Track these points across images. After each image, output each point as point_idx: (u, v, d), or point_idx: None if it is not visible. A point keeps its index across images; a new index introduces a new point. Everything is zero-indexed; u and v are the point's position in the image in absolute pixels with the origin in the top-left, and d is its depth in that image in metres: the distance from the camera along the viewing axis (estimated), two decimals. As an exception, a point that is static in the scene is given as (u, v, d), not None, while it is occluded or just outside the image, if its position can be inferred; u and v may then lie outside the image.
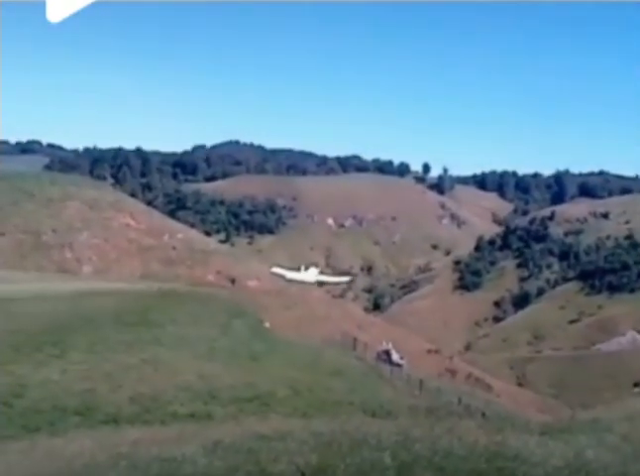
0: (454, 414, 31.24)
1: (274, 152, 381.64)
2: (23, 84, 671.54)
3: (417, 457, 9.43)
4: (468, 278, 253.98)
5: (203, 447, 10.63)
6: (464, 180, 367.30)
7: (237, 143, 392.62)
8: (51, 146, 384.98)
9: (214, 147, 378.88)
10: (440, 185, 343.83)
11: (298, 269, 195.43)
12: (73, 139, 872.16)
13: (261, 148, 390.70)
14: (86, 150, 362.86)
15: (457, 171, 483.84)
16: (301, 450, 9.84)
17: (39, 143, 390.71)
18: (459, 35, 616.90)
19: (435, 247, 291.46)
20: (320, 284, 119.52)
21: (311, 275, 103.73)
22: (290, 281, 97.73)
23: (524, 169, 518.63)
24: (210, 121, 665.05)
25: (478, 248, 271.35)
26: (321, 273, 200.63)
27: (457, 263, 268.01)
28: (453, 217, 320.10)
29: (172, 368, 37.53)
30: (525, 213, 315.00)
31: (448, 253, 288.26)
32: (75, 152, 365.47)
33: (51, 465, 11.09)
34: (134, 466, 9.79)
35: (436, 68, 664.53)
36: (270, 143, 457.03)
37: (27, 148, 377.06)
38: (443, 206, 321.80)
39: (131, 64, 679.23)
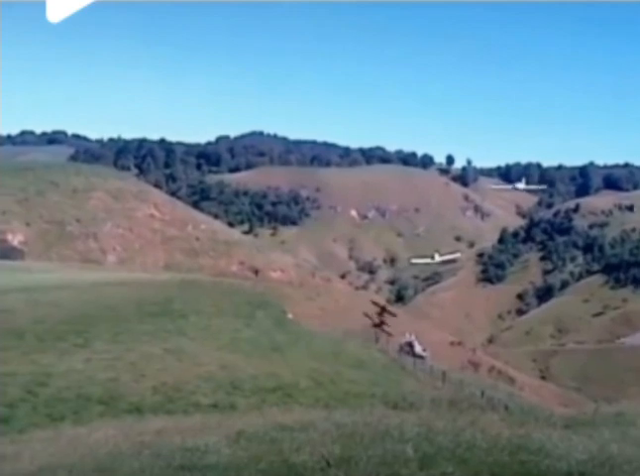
0: (476, 406, 31.16)
1: (298, 143, 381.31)
2: (48, 75, 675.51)
3: (440, 449, 9.41)
4: (491, 270, 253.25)
5: (226, 437, 10.64)
6: (488, 172, 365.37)
7: (261, 134, 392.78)
8: (76, 136, 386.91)
9: (238, 138, 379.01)
10: (464, 177, 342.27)
11: (432, 257, 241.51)
12: (98, 129, 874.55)
13: (284, 139, 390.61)
14: (111, 140, 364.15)
15: (481, 162, 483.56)
16: (323, 441, 9.84)
17: (64, 133, 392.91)
18: (480, 28, 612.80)
19: (458, 239, 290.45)
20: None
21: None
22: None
23: (549, 160, 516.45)
24: (234, 112, 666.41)
25: (501, 240, 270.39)
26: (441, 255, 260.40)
27: (480, 255, 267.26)
28: (476, 209, 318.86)
29: (195, 358, 37.69)
30: (549, 206, 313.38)
31: (471, 245, 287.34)
32: (100, 142, 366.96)
33: (75, 453, 11.15)
34: (157, 455, 9.83)
35: (459, 61, 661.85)
36: (294, 134, 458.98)
37: (52, 138, 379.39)
38: (467, 198, 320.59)
39: (155, 56, 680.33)
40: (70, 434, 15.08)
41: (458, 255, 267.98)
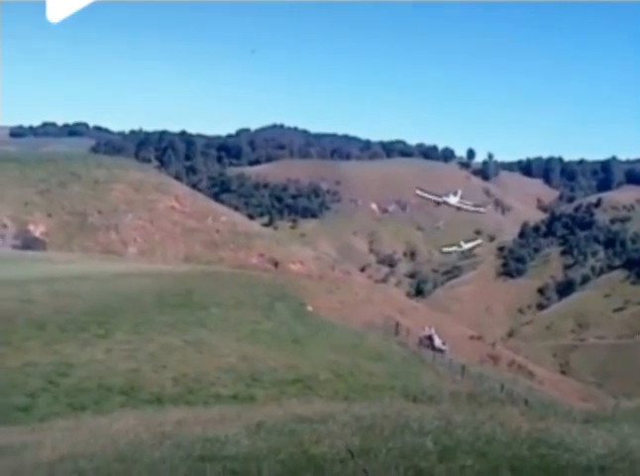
0: (496, 400, 31.18)
1: (318, 136, 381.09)
2: (70, 68, 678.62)
3: (459, 442, 9.43)
4: (511, 264, 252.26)
5: (246, 428, 10.70)
6: (509, 166, 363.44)
7: (281, 127, 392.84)
8: (97, 128, 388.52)
9: (258, 131, 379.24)
10: (485, 171, 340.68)
11: (459, 245, 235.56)
12: (120, 122, 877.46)
13: (305, 132, 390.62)
14: (132, 132, 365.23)
15: (502, 156, 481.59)
16: (343, 433, 9.87)
17: (85, 125, 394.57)
18: (500, 21, 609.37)
19: (478, 233, 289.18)
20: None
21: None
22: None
23: (570, 155, 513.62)
24: (255, 105, 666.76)
25: (522, 234, 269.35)
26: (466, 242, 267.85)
27: (501, 249, 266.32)
28: (497, 203, 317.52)
29: (215, 350, 37.89)
30: (571, 200, 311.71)
31: (492, 239, 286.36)
32: (121, 134, 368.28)
33: (96, 443, 11.25)
34: (178, 445, 9.90)
35: (480, 54, 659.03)
36: (315, 127, 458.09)
37: (74, 130, 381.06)
38: (487, 192, 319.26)
39: (177, 49, 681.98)
40: (91, 424, 15.19)
41: (480, 241, 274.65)
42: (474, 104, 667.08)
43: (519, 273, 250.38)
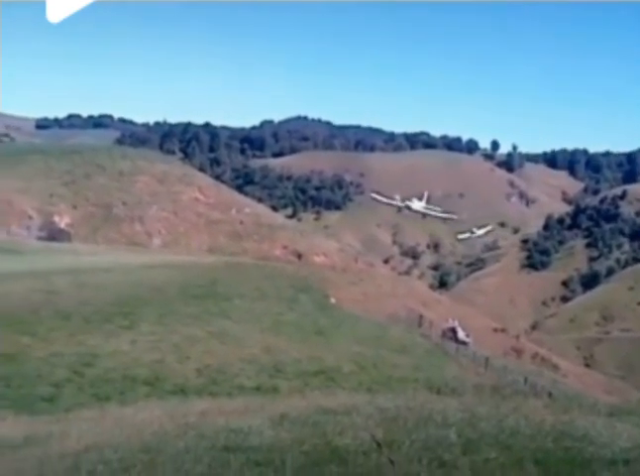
0: (520, 393, 31.13)
1: (342, 128, 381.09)
2: (94, 59, 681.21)
3: (483, 435, 9.42)
4: (536, 257, 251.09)
5: (269, 419, 10.74)
6: (533, 158, 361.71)
7: (305, 118, 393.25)
8: (122, 120, 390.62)
9: (282, 122, 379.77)
10: (509, 163, 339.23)
11: (472, 232, 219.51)
12: (144, 113, 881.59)
13: (328, 124, 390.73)
14: (156, 124, 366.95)
15: (526, 148, 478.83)
16: (367, 425, 9.89)
17: (110, 117, 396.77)
18: (526, 12, 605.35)
19: (503, 225, 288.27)
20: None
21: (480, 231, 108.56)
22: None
23: (595, 147, 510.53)
24: (279, 97, 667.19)
25: (546, 227, 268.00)
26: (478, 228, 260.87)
27: (525, 241, 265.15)
28: (522, 195, 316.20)
29: (239, 341, 38.02)
30: (596, 192, 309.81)
31: (516, 231, 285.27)
32: (146, 126, 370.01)
33: (121, 433, 11.33)
34: (202, 436, 9.95)
35: (504, 46, 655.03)
36: (339, 119, 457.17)
37: (99, 122, 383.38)
38: (512, 184, 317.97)
39: (201, 40, 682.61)
40: (116, 414, 15.29)
41: (491, 227, 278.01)
42: (499, 96, 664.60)
43: (543, 265, 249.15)
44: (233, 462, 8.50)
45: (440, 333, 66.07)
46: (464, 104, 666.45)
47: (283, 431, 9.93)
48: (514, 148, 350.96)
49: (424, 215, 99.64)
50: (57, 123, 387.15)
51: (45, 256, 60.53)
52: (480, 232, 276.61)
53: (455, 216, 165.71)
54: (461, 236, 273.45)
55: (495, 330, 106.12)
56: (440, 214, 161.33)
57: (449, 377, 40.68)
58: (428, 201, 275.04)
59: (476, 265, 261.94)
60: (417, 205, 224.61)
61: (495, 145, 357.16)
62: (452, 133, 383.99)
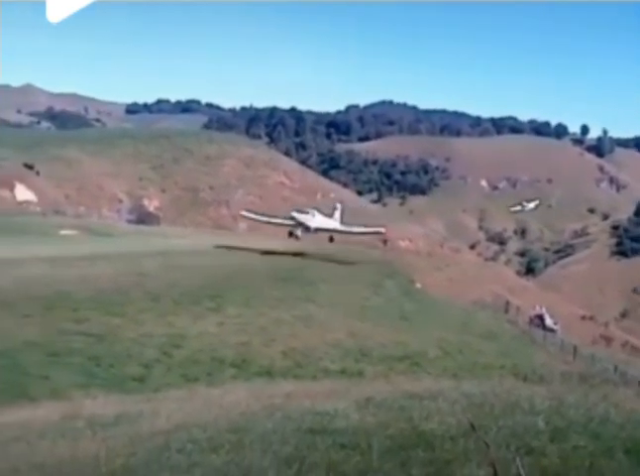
0: (609, 381, 30.53)
1: (428, 112, 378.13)
2: (184, 46, 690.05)
3: (571, 423, 9.27)
4: (626, 243, 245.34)
5: (355, 403, 10.76)
6: (624, 143, 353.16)
7: (390, 103, 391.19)
8: (209, 105, 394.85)
9: (368, 107, 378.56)
10: (599, 148, 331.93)
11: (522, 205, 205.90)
12: (231, 98, 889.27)
13: (414, 108, 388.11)
14: (243, 109, 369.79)
15: (617, 133, 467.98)
16: (453, 410, 9.83)
17: (198, 102, 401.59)
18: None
19: (592, 211, 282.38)
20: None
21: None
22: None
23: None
24: (364, 81, 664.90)
25: (637, 213, 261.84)
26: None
27: (615, 228, 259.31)
28: (612, 181, 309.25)
29: (324, 325, 38.20)
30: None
31: (606, 217, 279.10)
32: (232, 111, 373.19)
33: (209, 413, 11.51)
34: (288, 417, 10.04)
35: (593, 29, 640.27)
36: (424, 103, 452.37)
37: (187, 107, 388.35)
38: (602, 169, 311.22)
39: (287, 25, 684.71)
40: (204, 395, 15.53)
41: (538, 202, 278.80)
42: (588, 79, 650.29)
43: (634, 252, 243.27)
44: (319, 444, 8.54)
45: (527, 320, 65.29)
46: (552, 89, 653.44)
47: (369, 415, 9.94)
48: (604, 132, 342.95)
49: (331, 239, 69.42)
50: (147, 108, 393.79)
51: (134, 239, 61.68)
52: (531, 205, 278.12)
53: (382, 230, 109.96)
54: (513, 209, 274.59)
55: (584, 318, 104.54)
56: (358, 230, 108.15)
57: (536, 364, 40.17)
58: (514, 187, 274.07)
59: (564, 251, 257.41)
60: (317, 221, 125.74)
61: (585, 129, 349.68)
62: (540, 117, 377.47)
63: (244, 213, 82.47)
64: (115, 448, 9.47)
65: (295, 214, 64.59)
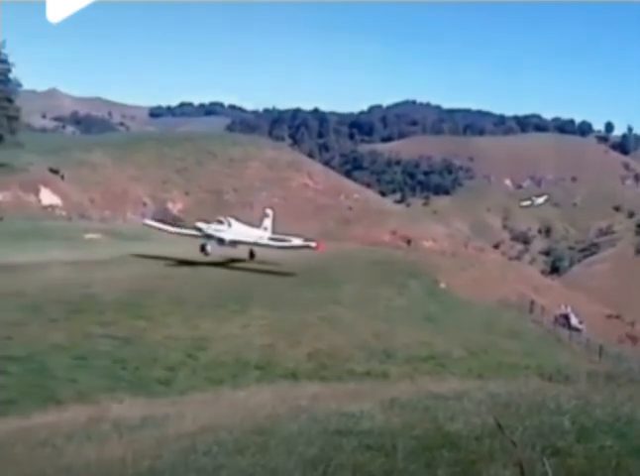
0: (636, 381, 30.31)
1: (451, 112, 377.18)
2: (205, 49, 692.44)
3: (598, 422, 9.23)
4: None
5: (380, 404, 10.78)
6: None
7: (413, 103, 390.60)
8: (232, 107, 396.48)
9: (390, 107, 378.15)
10: (624, 145, 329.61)
11: (532, 200, 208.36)
12: (254, 100, 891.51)
13: (437, 108, 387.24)
14: (266, 111, 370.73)
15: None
16: (478, 411, 9.82)
17: (221, 104, 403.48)
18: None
19: (617, 209, 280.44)
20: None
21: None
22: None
23: None
24: (387, 81, 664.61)
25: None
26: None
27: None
28: (637, 178, 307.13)
29: (349, 326, 38.20)
30: None
31: (631, 215, 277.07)
32: (255, 113, 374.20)
33: (234, 415, 11.56)
34: (314, 419, 10.07)
35: (617, 27, 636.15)
36: (447, 103, 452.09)
37: (210, 109, 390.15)
38: (627, 167, 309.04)
39: (310, 26, 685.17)
40: (229, 397, 15.60)
41: (546, 197, 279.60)
42: (613, 77, 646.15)
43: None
44: (345, 446, 8.56)
45: (552, 319, 64.92)
46: (577, 86, 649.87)
47: (394, 416, 9.95)
48: (629, 129, 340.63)
49: (251, 255, 61.26)
50: (170, 111, 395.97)
51: (159, 242, 61.96)
52: (540, 200, 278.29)
53: (312, 244, 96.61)
54: (523, 203, 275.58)
55: (610, 317, 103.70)
56: (295, 244, 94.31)
57: (562, 364, 39.91)
58: (539, 185, 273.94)
59: (589, 250, 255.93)
60: (236, 232, 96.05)
61: (610, 127, 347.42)
62: (564, 115, 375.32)
63: (146, 222, 69.54)
64: (141, 451, 9.54)
65: (201, 225, 54.46)
